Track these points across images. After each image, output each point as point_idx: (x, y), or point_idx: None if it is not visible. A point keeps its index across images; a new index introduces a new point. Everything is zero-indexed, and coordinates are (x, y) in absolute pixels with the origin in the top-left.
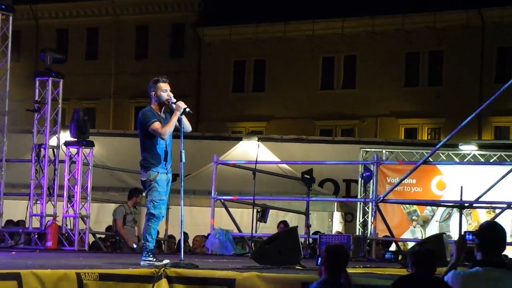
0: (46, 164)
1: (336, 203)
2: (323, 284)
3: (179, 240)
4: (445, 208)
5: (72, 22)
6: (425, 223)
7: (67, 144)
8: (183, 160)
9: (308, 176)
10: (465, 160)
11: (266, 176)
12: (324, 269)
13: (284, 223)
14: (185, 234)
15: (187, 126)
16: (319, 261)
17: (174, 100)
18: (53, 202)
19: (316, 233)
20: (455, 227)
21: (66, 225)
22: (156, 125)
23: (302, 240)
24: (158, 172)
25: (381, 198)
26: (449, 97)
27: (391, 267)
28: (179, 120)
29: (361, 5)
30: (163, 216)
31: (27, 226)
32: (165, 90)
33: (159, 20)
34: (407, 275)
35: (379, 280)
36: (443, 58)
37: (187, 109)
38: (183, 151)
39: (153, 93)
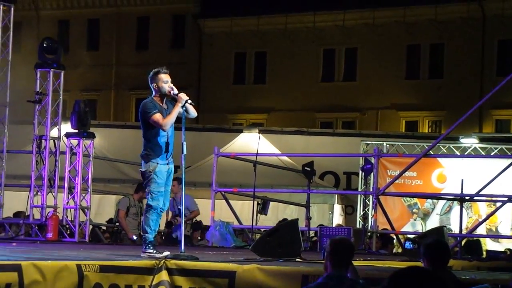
0: (47, 155)
1: (336, 196)
2: (329, 278)
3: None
4: (445, 201)
5: (73, 13)
6: (425, 216)
7: (68, 135)
8: (185, 152)
9: (309, 169)
10: (466, 153)
11: (267, 169)
12: (329, 263)
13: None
14: (199, 223)
15: (192, 112)
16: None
17: (177, 92)
18: (53, 194)
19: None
20: (455, 220)
21: (67, 216)
22: (157, 116)
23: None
24: (157, 164)
25: (382, 191)
26: (450, 89)
27: (392, 260)
28: (186, 110)
29: None
30: (162, 208)
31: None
32: (166, 81)
33: (160, 11)
34: (411, 267)
35: (380, 273)
36: (444, 51)
37: (189, 101)
38: (184, 143)
39: (154, 84)
